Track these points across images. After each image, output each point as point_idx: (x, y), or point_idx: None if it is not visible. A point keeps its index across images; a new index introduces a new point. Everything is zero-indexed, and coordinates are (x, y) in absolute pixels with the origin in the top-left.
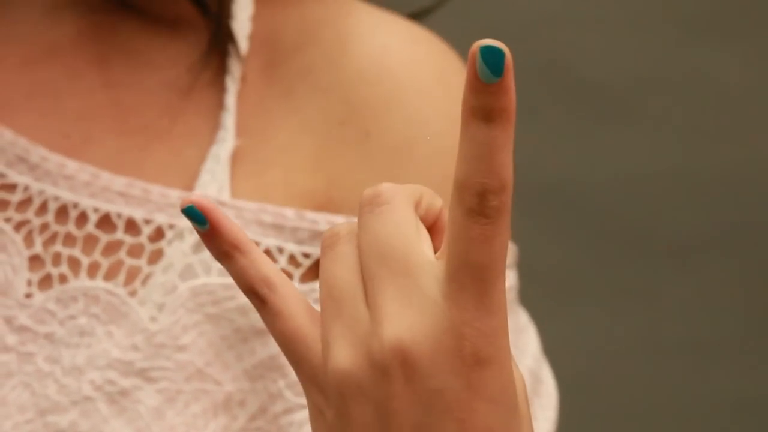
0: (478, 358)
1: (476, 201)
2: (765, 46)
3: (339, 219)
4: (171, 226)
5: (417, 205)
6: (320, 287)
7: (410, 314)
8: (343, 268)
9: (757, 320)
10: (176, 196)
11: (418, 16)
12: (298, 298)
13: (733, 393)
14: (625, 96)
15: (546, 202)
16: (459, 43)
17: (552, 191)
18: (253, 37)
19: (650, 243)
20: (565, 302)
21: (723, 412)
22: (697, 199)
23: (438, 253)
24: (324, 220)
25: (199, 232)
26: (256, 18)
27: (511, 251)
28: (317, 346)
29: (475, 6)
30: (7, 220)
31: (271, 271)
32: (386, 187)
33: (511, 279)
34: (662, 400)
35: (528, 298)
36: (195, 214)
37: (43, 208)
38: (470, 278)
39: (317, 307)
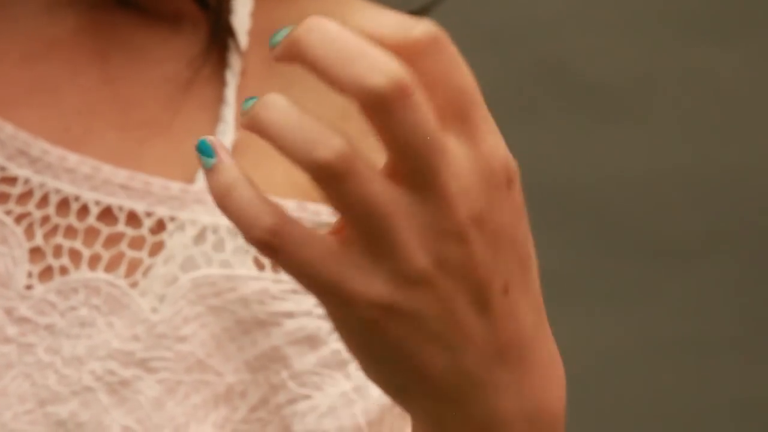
0: (509, 178)
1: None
2: (765, 46)
3: None
4: (172, 219)
5: None
6: (350, 212)
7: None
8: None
9: (756, 320)
10: (177, 189)
11: (416, 14)
12: (310, 233)
13: (733, 393)
14: (625, 96)
15: (546, 202)
16: (459, 44)
17: (552, 191)
18: (252, 33)
19: (650, 243)
20: (564, 302)
21: (723, 412)
22: (697, 199)
23: None
24: (326, 212)
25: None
26: (256, 14)
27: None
28: (360, 261)
29: (476, 6)
30: (8, 212)
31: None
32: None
33: None
34: (662, 400)
35: None
36: (206, 150)
37: (44, 201)
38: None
39: None
